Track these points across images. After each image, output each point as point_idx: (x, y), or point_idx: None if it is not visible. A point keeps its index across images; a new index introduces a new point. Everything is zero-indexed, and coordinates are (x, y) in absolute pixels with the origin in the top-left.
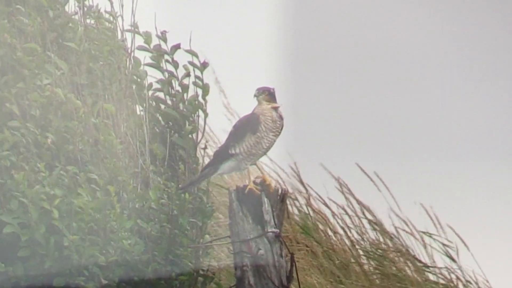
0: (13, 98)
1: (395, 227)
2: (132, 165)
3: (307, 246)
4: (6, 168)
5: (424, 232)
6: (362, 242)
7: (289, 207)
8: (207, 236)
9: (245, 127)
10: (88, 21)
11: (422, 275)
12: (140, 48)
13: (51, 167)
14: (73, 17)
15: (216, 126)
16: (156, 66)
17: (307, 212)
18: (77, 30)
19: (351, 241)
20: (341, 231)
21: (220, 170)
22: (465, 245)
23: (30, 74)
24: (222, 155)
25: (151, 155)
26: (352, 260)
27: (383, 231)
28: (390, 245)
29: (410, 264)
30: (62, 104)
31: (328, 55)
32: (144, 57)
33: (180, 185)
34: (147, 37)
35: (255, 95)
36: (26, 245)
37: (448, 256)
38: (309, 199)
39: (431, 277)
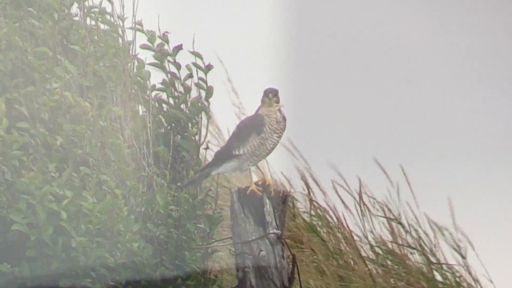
0: (23, 99)
1: (408, 224)
2: (137, 168)
3: (311, 248)
4: (15, 168)
5: (438, 227)
6: (368, 243)
7: (293, 206)
8: (213, 241)
9: (250, 128)
10: (88, 22)
11: (430, 274)
12: (144, 47)
13: (60, 169)
14: (75, 18)
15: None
16: (160, 65)
17: (310, 211)
18: (82, 32)
19: (357, 240)
20: (347, 230)
21: (221, 169)
22: (471, 244)
23: (40, 78)
24: (224, 155)
25: (155, 157)
26: (359, 258)
27: (392, 228)
28: (400, 242)
29: (420, 262)
30: (71, 108)
31: (331, 55)
32: (146, 57)
33: (178, 184)
34: (151, 35)
35: (268, 98)
36: (33, 246)
37: (459, 253)
38: (311, 199)
39: (438, 276)
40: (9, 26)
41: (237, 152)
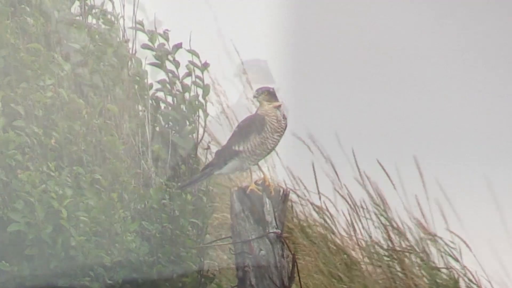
0: (19, 98)
1: (404, 226)
2: (134, 165)
3: (306, 246)
4: (11, 168)
5: (430, 234)
6: (367, 243)
7: (291, 206)
8: (207, 236)
9: (250, 127)
10: (89, 21)
11: (428, 275)
12: (145, 47)
13: (57, 168)
14: (76, 17)
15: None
16: (161, 65)
17: (309, 211)
18: (82, 31)
19: (356, 241)
20: (344, 231)
21: (223, 169)
22: (467, 246)
23: (33, 75)
24: (225, 154)
25: (153, 155)
26: (358, 260)
27: (395, 229)
28: (400, 243)
29: (418, 264)
30: (65, 105)
31: (330, 54)
32: (146, 57)
33: (179, 184)
34: (152, 35)
35: (254, 96)
36: (32, 244)
37: (452, 257)
38: (305, 199)
39: (437, 277)
40: (0, 23)
41: (237, 148)
